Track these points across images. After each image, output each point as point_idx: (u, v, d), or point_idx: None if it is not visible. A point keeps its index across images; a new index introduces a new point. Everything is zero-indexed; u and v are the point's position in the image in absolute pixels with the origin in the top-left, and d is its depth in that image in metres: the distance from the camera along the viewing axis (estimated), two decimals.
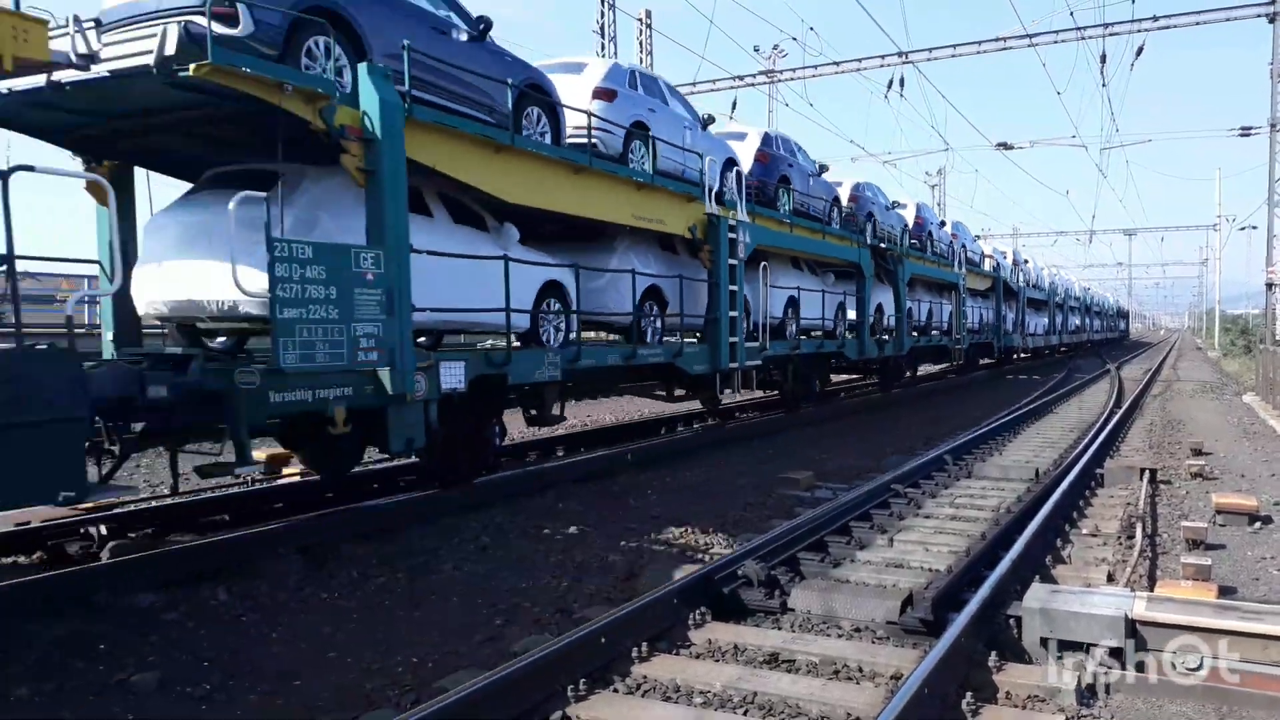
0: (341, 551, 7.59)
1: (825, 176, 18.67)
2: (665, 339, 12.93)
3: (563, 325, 10.73)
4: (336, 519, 8.61)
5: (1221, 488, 10.13)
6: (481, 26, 9.33)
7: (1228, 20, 25.39)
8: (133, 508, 9.24)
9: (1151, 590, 6.15)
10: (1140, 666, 5.09)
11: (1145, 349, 67.34)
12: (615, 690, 4.88)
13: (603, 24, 29.97)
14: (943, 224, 29.60)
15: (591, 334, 13.09)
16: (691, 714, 4.58)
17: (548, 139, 10.11)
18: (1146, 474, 10.37)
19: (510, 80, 9.40)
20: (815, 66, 31.14)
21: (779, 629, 5.89)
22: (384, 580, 7.07)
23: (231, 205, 6.80)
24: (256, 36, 6.93)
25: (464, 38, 9.15)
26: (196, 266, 7.57)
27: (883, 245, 21.06)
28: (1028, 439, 14.84)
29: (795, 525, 7.81)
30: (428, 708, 4.18)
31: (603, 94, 10.97)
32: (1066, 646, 5.32)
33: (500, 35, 9.57)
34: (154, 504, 9.56)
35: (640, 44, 32.02)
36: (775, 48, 36.78)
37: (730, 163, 14.05)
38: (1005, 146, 35.87)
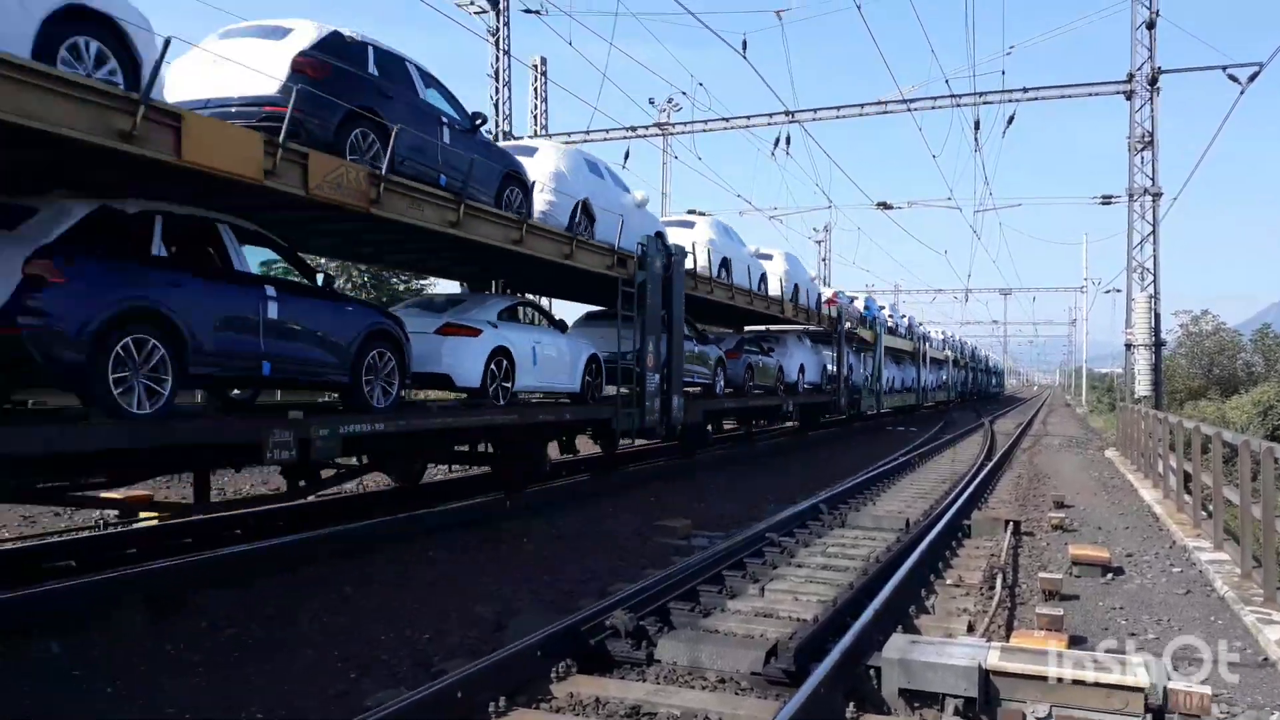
0: (191, 601, 7.20)
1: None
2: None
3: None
4: (189, 567, 8.17)
5: (1080, 539, 10.53)
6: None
7: (1090, 95, 27.07)
8: None
9: (1007, 640, 6.31)
10: (992, 715, 5.20)
11: (1019, 404, 70.28)
12: None
13: (497, 69, 30.07)
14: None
15: None
16: None
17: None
18: (1010, 526, 10.71)
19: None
20: (705, 121, 31.75)
21: (643, 680, 5.82)
22: (236, 632, 6.72)
23: None
24: None
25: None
26: None
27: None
28: (901, 489, 15.20)
29: (667, 574, 7.78)
30: None
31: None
32: (924, 696, 5.40)
33: None
34: None
35: (535, 90, 32.23)
36: (669, 101, 37.52)
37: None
38: (885, 206, 37.07)
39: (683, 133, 33.07)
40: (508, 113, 31.01)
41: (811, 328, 26.02)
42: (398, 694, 5.10)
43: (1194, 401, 34.15)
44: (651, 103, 36.56)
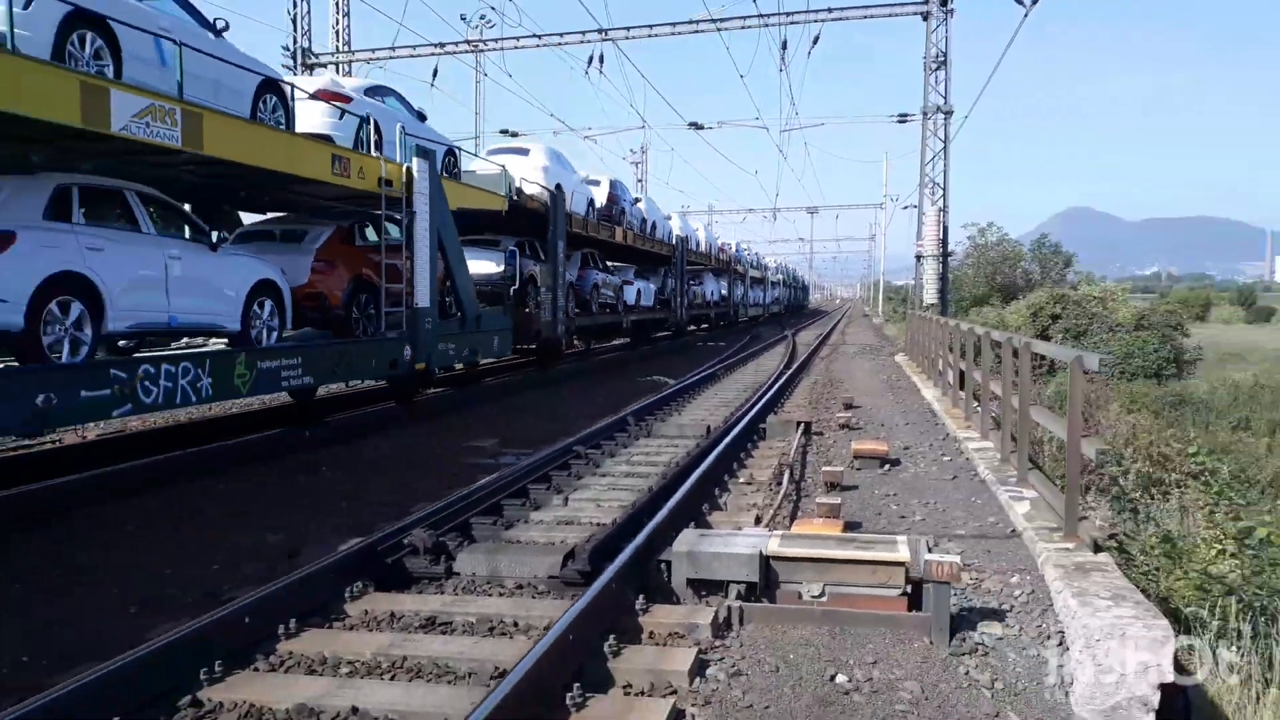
0: None
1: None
2: None
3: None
4: None
5: (863, 436, 11.21)
6: None
7: (890, 16, 28.07)
8: None
9: (790, 529, 6.70)
10: (772, 598, 5.54)
11: (822, 316, 73.69)
12: (256, 669, 4.66)
13: None
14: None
15: None
16: (334, 684, 4.44)
17: None
18: (802, 427, 11.31)
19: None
20: (518, 38, 31.03)
21: (441, 594, 5.87)
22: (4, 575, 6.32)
23: None
24: None
25: None
26: None
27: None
28: (707, 399, 15.74)
29: (471, 491, 7.81)
30: (35, 702, 3.78)
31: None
32: (711, 585, 5.69)
33: None
34: None
35: (337, 4, 30.57)
36: (482, 17, 36.25)
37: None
38: (697, 126, 37.49)
39: (494, 50, 32.20)
40: (307, 28, 29.38)
41: (711, 266, 41.69)
42: (181, 624, 4.95)
43: (978, 308, 36.74)
44: (463, 19, 35.33)
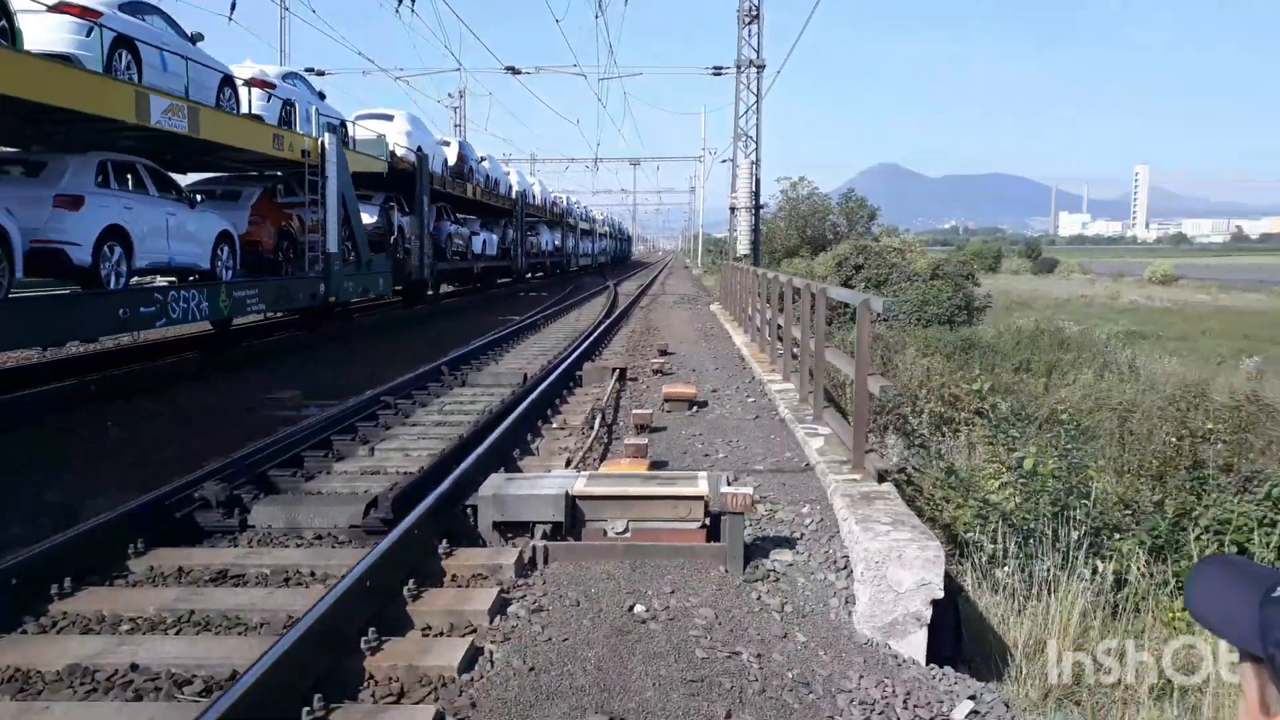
0: None
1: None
2: None
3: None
4: None
5: (675, 380, 11.46)
6: None
7: None
8: None
9: (598, 470, 6.80)
10: (578, 536, 5.63)
11: (645, 267, 74.52)
12: (24, 632, 4.37)
13: None
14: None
15: None
16: (112, 642, 4.22)
17: None
18: (617, 373, 11.46)
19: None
20: None
21: (235, 547, 5.66)
22: None
23: None
24: None
25: None
26: None
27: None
28: (525, 348, 15.71)
29: (270, 443, 7.51)
30: None
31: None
32: (518, 528, 5.72)
33: None
34: None
35: None
36: None
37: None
38: (514, 70, 36.85)
39: None
40: None
41: (546, 219, 45.65)
42: None
43: (789, 259, 38.04)
44: None
